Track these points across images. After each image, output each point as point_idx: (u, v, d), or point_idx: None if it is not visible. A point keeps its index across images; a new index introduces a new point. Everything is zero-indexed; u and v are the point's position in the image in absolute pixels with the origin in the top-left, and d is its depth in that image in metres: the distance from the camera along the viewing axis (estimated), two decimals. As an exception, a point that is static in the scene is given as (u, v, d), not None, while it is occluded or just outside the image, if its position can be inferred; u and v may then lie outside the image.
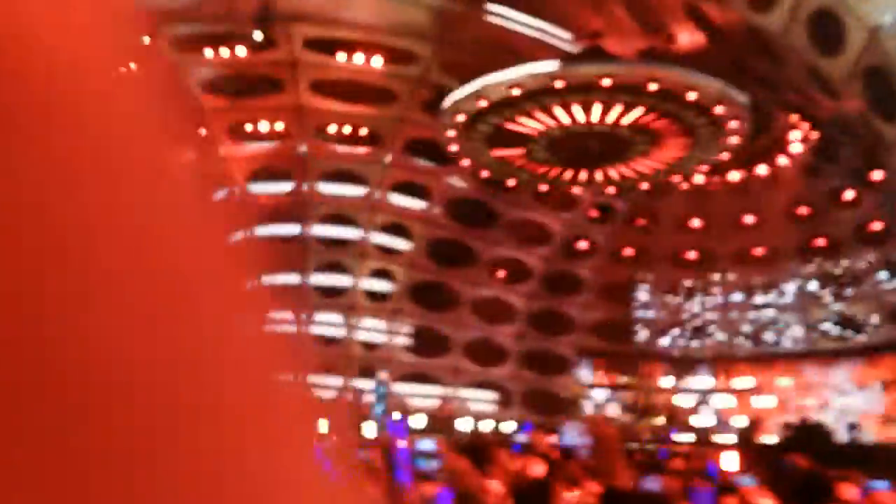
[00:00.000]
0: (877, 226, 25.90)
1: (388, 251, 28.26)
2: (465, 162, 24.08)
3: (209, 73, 23.88)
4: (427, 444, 11.72)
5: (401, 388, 25.71)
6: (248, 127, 25.46)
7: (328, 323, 28.12)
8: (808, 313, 29.32)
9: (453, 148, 21.86)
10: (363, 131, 25.73)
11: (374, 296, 28.42)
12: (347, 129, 25.50)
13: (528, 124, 19.83)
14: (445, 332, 29.65)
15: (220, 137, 25.49)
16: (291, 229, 27.57)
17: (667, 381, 30.71)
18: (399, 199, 27.53)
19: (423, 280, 28.66)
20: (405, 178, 26.92)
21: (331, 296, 27.94)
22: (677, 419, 29.51)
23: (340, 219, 27.44)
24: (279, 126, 25.45)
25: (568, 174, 22.94)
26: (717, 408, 30.10)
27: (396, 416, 24.13)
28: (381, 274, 28.44)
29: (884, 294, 26.83)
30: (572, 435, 25.66)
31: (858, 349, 27.61)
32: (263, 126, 25.50)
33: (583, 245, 30.44)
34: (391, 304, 28.55)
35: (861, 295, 27.72)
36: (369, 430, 22.38)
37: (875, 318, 27.32)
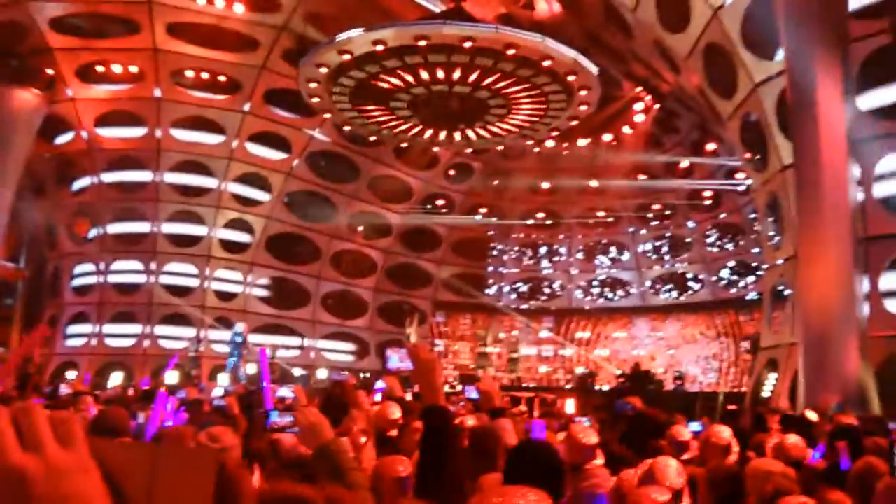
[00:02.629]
0: (707, 193, 27.91)
1: (245, 202, 27.60)
2: (327, 115, 23.74)
3: (58, 9, 22.21)
4: (285, 392, 11.78)
5: (258, 339, 25.38)
6: (100, 68, 24.00)
7: (182, 273, 27.33)
8: (643, 273, 31.34)
9: (315, 100, 21.43)
10: (222, 78, 24.80)
11: (230, 246, 27.74)
12: (205, 76, 24.47)
13: (391, 81, 19.70)
14: (304, 284, 29.56)
15: (70, 79, 23.91)
16: (143, 176, 26.36)
17: (514, 333, 31.91)
18: (258, 150, 26.84)
19: (281, 232, 28.24)
20: (264, 129, 26.21)
21: (184, 245, 27.09)
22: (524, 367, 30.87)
23: (196, 167, 26.46)
24: (133, 69, 24.09)
25: (428, 133, 23.05)
26: (560, 357, 31.73)
27: (252, 367, 23.98)
28: (237, 225, 27.77)
29: (710, 256, 29.25)
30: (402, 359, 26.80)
31: (687, 305, 29.97)
32: (116, 68, 24.08)
33: (440, 202, 30.92)
34: (248, 256, 28.01)
35: (691, 257, 29.98)
36: (225, 379, 22.34)
37: (702, 277, 29.70)
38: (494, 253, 33.56)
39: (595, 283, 32.61)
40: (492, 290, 33.20)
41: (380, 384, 9.41)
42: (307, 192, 28.37)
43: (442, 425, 2.96)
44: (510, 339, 29.53)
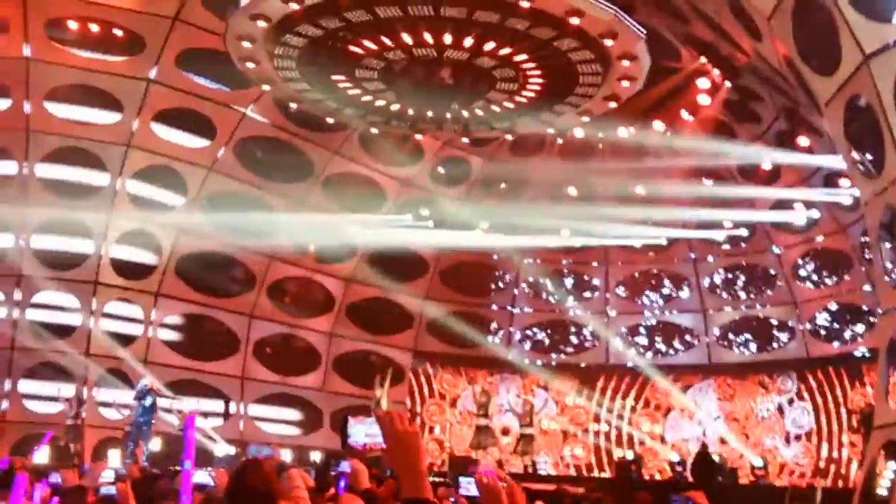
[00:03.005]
0: (797, 205, 27.95)
1: (149, 206, 27.48)
2: (266, 87, 23.71)
3: None
4: (202, 477, 11.64)
5: (168, 401, 25.25)
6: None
7: (57, 306, 27.17)
8: (710, 317, 31.38)
9: (249, 66, 21.39)
10: (118, 32, 24.75)
11: (126, 270, 27.62)
12: (95, 28, 24.42)
13: (358, 42, 19.72)
14: (231, 325, 29.51)
15: None
16: (4, 168, 26.24)
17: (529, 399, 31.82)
18: (168, 134, 26.77)
19: (200, 251, 28.11)
20: (178, 104, 26.16)
21: (62, 267, 26.91)
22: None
23: (80, 156, 26.36)
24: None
25: (409, 115, 23.06)
26: (593, 434, 31.65)
27: (157, 442, 23.82)
28: (138, 239, 27.65)
29: (803, 295, 29.30)
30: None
31: (771, 363, 30.03)
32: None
33: (425, 212, 30.89)
34: (153, 283, 27.87)
35: (777, 297, 30.05)
36: (118, 457, 22.14)
37: (792, 325, 29.71)
38: (501, 285, 33.46)
39: (642, 330, 32.60)
40: (497, 338, 33.09)
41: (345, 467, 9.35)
42: (237, 193, 28.30)
43: None
44: (523, 408, 29.30)
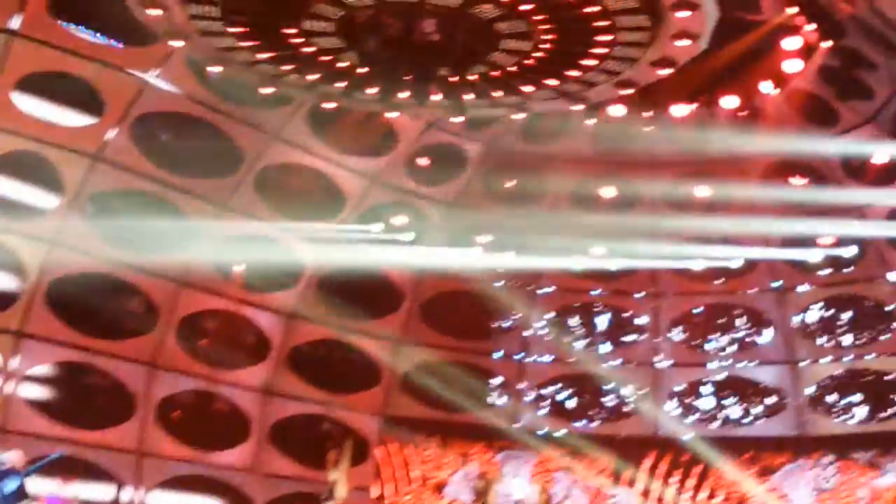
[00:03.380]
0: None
1: (9, 209, 27.37)
2: (178, 44, 23.57)
3: None
4: None
5: (38, 484, 25.13)
6: None
7: None
8: (802, 371, 31.39)
9: (153, 13, 21.25)
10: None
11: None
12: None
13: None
14: (123, 378, 29.37)
15: None
16: None
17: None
18: (36, 108, 26.68)
19: (81, 272, 28.02)
20: (50, 67, 26.09)
21: None
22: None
23: None
24: None
25: (379, 85, 22.99)
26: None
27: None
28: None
29: None
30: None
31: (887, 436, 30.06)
32: None
33: (399, 220, 30.82)
34: (13, 318, 27.76)
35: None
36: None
37: None
38: (507, 325, 33.41)
39: (706, 388, 32.62)
40: (501, 399, 33.09)
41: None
42: (133, 192, 28.27)
43: None
44: (538, 499, 29.28)
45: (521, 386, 33.18)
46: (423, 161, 30.66)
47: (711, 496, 31.77)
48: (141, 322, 29.68)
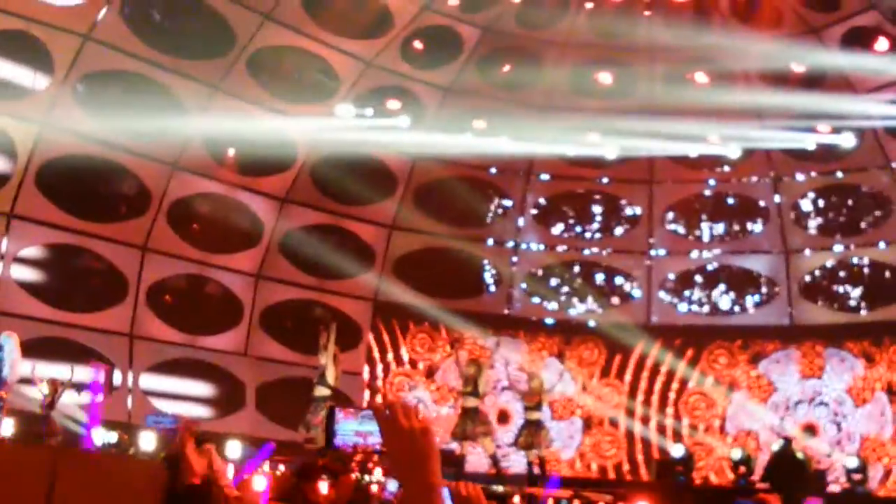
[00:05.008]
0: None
1: None
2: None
3: None
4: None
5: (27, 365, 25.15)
6: None
7: None
8: (794, 260, 31.44)
9: None
10: None
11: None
12: None
13: None
14: (114, 260, 29.49)
15: None
16: None
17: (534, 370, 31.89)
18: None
19: (70, 155, 27.76)
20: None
21: None
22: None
23: None
24: None
25: None
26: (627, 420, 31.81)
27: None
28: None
29: None
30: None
31: (878, 326, 30.30)
32: None
33: (393, 104, 30.56)
34: (5, 199, 27.55)
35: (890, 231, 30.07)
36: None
37: None
38: (500, 210, 33.47)
39: (699, 276, 32.84)
40: (493, 285, 33.33)
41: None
42: (125, 73, 28.13)
43: None
44: (530, 384, 29.25)
45: (514, 271, 33.16)
46: (418, 44, 30.44)
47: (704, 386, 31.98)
48: (133, 205, 29.54)
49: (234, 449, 26.22)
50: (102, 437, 26.47)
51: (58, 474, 12.37)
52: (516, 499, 21.46)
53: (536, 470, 27.33)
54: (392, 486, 18.11)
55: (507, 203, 33.61)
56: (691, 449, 29.63)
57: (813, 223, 31.58)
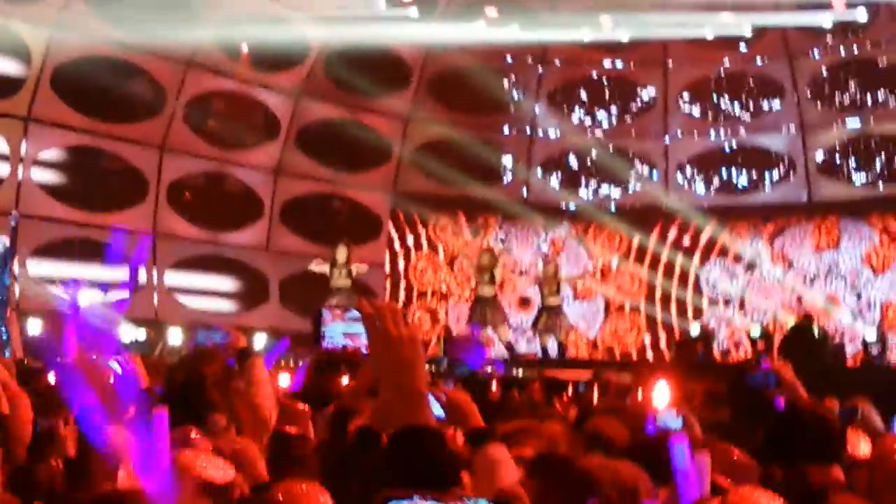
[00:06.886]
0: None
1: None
2: None
3: None
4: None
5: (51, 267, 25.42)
6: None
7: None
8: (810, 138, 31.34)
9: None
10: None
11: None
12: None
13: None
14: (134, 160, 29.62)
15: None
16: None
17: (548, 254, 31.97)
18: None
19: (85, 56, 27.72)
20: None
21: None
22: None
23: None
24: None
25: None
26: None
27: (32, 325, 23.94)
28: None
29: None
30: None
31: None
32: None
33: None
34: (20, 103, 27.58)
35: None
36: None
37: None
38: (514, 97, 33.32)
39: (715, 156, 32.75)
40: (509, 173, 33.37)
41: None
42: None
43: (433, 468, 3.07)
44: (545, 269, 29.36)
45: (530, 158, 33.12)
46: None
47: (719, 264, 32.02)
48: (148, 104, 29.53)
49: (260, 341, 26.66)
50: (131, 334, 26.86)
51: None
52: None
53: (553, 354, 27.49)
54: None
55: (522, 90, 33.34)
56: (711, 327, 29.80)
57: (828, 100, 31.31)
